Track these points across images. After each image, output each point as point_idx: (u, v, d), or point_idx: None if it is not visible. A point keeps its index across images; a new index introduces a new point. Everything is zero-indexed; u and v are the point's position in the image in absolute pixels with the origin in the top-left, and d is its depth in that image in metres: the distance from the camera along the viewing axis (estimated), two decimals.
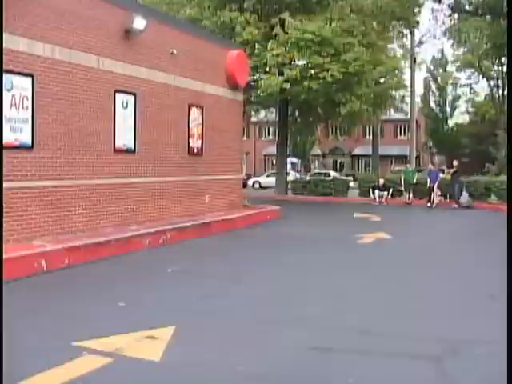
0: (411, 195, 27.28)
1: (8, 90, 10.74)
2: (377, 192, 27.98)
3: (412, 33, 32.13)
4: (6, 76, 10.65)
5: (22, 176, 11.14)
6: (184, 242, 13.64)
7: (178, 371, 5.54)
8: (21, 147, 11.09)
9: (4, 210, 10.60)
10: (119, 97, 13.71)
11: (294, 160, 60.38)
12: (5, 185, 10.65)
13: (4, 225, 10.62)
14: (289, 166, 41.01)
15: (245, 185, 33.48)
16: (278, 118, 33.51)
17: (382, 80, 31.98)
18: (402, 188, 27.74)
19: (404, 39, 33.85)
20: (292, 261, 11.58)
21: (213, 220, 15.89)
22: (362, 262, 11.72)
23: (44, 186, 11.63)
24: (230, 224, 16.50)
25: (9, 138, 10.78)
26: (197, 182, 16.96)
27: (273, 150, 47.19)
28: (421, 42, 35.17)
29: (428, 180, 26.33)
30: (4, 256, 9.44)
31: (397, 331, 6.80)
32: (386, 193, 27.90)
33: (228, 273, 10.30)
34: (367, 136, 62.58)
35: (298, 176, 39.71)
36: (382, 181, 28.52)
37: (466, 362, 5.80)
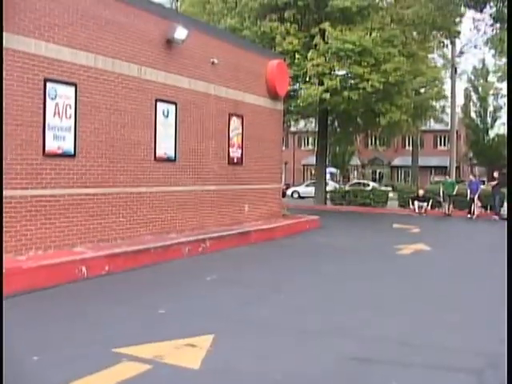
0: (451, 206, 26.85)
1: (52, 99, 10.87)
2: (416, 203, 27.60)
3: (453, 43, 31.69)
4: (50, 85, 10.79)
5: (65, 183, 11.23)
6: (223, 251, 13.60)
7: (217, 379, 5.47)
8: (63, 155, 11.18)
9: (47, 216, 10.76)
10: (160, 106, 13.77)
11: (333, 170, 60.04)
12: (48, 192, 10.80)
13: (46, 231, 10.76)
14: (328, 176, 40.75)
15: (284, 194, 33.41)
16: (317, 128, 33.32)
17: (422, 90, 31.62)
18: (441, 199, 27.34)
19: (445, 49, 33.36)
20: (331, 270, 11.48)
21: (252, 229, 15.82)
22: (401, 272, 11.54)
23: (86, 193, 11.71)
24: (269, 233, 16.41)
25: (52, 145, 10.90)
26: (236, 191, 16.93)
27: (312, 159, 46.96)
28: (462, 52, 34.61)
29: (468, 191, 25.88)
30: (46, 262, 9.55)
31: (436, 343, 6.63)
32: (425, 204, 27.50)
33: (267, 281, 10.23)
34: (407, 146, 61.91)
35: (336, 186, 39.32)
36: (421, 191, 28.13)
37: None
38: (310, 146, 61.81)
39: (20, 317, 7.13)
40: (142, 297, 8.81)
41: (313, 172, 58.35)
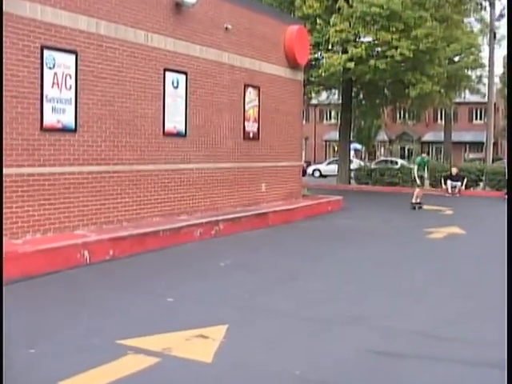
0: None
1: (50, 68, 10.78)
2: (449, 182, 27.35)
3: (492, 5, 31.20)
4: (47, 52, 10.70)
5: (65, 160, 11.19)
6: (238, 234, 13.61)
7: (231, 374, 5.40)
8: (63, 130, 11.13)
9: (45, 196, 10.73)
10: (169, 76, 13.68)
11: (358, 146, 59.66)
12: (47, 170, 10.76)
13: (45, 212, 10.74)
14: (352, 152, 40.56)
15: (304, 173, 33.24)
16: (340, 100, 33.12)
17: (456, 58, 31.25)
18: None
19: (482, 12, 32.90)
20: (354, 256, 11.44)
21: (269, 210, 15.79)
22: (430, 258, 11.41)
23: (88, 171, 11.68)
24: (288, 215, 16.38)
25: (51, 119, 10.84)
26: (252, 169, 16.84)
27: (335, 135, 46.68)
28: (501, 15, 33.98)
29: (506, 169, 25.57)
30: (44, 246, 9.53)
31: (467, 336, 6.51)
32: (459, 183, 27.24)
33: (284, 267, 10.21)
34: (439, 120, 61.39)
35: (361, 164, 39.16)
36: (454, 170, 27.84)
37: None
38: (333, 120, 61.57)
39: (15, 306, 7.09)
40: (148, 284, 8.79)
41: (336, 148, 57.99)
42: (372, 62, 25.38)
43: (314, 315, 7.25)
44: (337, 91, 36.14)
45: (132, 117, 12.71)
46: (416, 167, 20.47)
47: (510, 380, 4.61)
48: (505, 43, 62.73)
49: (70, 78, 11.19)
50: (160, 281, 8.99)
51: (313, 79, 28.22)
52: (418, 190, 20.17)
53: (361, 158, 56.10)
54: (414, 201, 20.31)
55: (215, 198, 15.34)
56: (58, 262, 9.45)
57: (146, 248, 11.21)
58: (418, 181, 20.16)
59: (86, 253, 10.05)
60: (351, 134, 35.24)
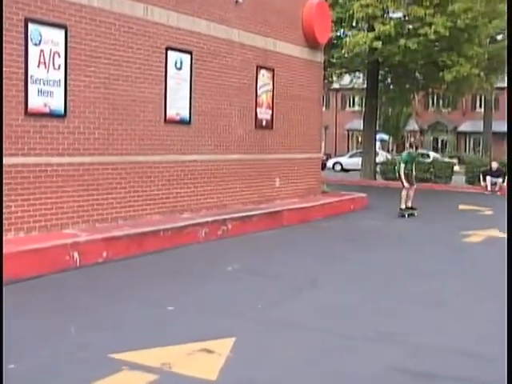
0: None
1: (35, 45, 10.72)
2: (489, 178, 27.16)
3: None
4: (33, 26, 10.65)
5: (53, 150, 11.16)
6: (248, 235, 13.60)
7: None
8: (51, 115, 11.09)
9: (30, 190, 10.70)
10: (172, 55, 13.64)
11: (385, 137, 59.39)
12: (31, 160, 10.74)
13: (29, 209, 10.71)
14: (378, 144, 40.37)
15: (323, 166, 33.21)
16: (365, 85, 33.09)
17: (499, 37, 30.97)
18: None
19: None
20: (379, 261, 11.40)
21: (284, 208, 15.77)
22: (467, 266, 11.31)
23: (79, 162, 11.65)
24: (305, 214, 16.35)
25: (37, 103, 10.80)
26: (265, 161, 16.78)
27: (358, 123, 46.57)
28: None
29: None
30: (28, 247, 9.50)
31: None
32: (500, 179, 27.05)
33: (300, 274, 10.18)
34: (477, 108, 61.17)
35: (389, 157, 38.99)
36: (495, 164, 27.62)
37: None
38: (357, 107, 61.30)
39: None
40: (146, 290, 8.76)
41: (359, 139, 57.80)
42: (402, 41, 25.19)
43: (336, 328, 7.19)
44: (361, 74, 35.99)
45: (129, 101, 12.67)
46: (403, 165, 17.88)
47: (510, 380, 4.74)
48: None
49: (59, 56, 11.13)
50: (159, 287, 8.95)
51: (334, 61, 28.13)
52: (404, 192, 17.89)
53: (388, 151, 55.86)
54: (402, 206, 17.95)
55: (223, 194, 15.32)
56: (43, 264, 9.39)
57: (144, 249, 11.19)
58: (405, 182, 17.65)
59: (76, 254, 10.02)
60: (377, 123, 35.11)
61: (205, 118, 14.72)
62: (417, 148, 20.29)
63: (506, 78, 45.73)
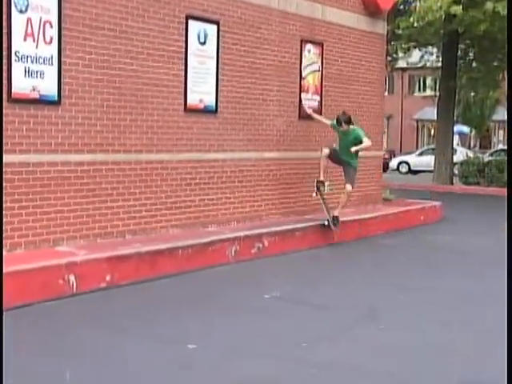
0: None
1: (21, 12, 10.69)
2: None
3: None
4: None
5: (43, 145, 11.15)
6: (290, 254, 13.58)
7: None
8: (41, 101, 11.07)
9: (14, 196, 10.68)
10: (194, 26, 13.61)
11: (465, 129, 58.93)
12: (16, 158, 10.71)
13: (13, 220, 10.66)
14: (456, 138, 40.08)
15: (385, 167, 32.95)
16: (440, 63, 33.06)
17: None
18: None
19: None
20: (460, 289, 11.27)
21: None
22: None
23: (77, 161, 11.63)
24: (362, 228, 16.34)
25: (23, 86, 10.77)
26: (311, 160, 16.57)
27: (430, 112, 46.38)
28: None
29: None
30: (12, 268, 9.41)
31: None
32: None
33: (354, 303, 10.14)
34: None
35: (470, 155, 38.50)
36: None
37: None
38: (428, 91, 60.90)
39: None
40: (161, 323, 8.75)
41: (432, 132, 57.24)
42: (489, 4, 24.81)
43: (402, 375, 7.07)
44: (435, 49, 35.79)
45: (140, 85, 12.65)
46: (327, 151, 15.17)
47: (510, 380, 5.23)
48: None
49: (51, 26, 11.09)
50: (177, 319, 8.95)
51: (400, 32, 27.93)
52: (343, 197, 15.26)
53: (469, 147, 55.43)
54: (336, 214, 15.17)
55: (258, 202, 15.30)
56: (30, 291, 9.36)
57: (157, 272, 11.18)
58: (322, 176, 15.15)
59: (73, 278, 9.99)
60: (455, 112, 34.83)
61: (235, 106, 14.68)
62: None
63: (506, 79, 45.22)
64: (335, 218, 15.03)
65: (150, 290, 10.50)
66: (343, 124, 14.74)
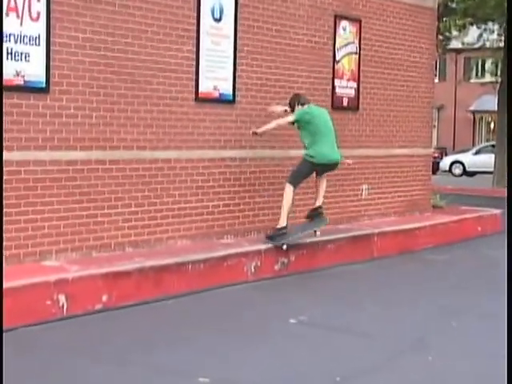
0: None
1: None
2: None
3: None
4: None
5: (29, 141, 11.20)
6: (320, 271, 13.65)
7: None
8: (26, 88, 11.11)
9: None
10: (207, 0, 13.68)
11: None
12: None
13: None
14: None
15: (435, 168, 32.89)
16: (503, 42, 32.90)
17: None
18: None
19: None
20: None
21: (374, 232, 15.70)
22: None
23: (68, 159, 11.67)
24: (407, 240, 16.35)
25: (5, 70, 10.70)
26: (352, 158, 16.54)
27: (490, 102, 46.16)
28: None
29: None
30: None
31: None
32: None
33: (399, 330, 10.14)
34: None
35: None
36: None
37: None
38: (488, 77, 60.32)
39: None
40: (167, 351, 8.75)
41: (492, 126, 57.05)
42: None
43: None
44: (496, 26, 35.63)
45: (143, 69, 12.69)
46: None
47: (510, 380, 5.67)
48: None
49: (38, 0, 11.16)
50: (186, 347, 8.94)
51: (454, 6, 27.80)
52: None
53: None
54: (280, 225, 13.77)
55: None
56: (14, 313, 9.29)
57: (163, 291, 11.24)
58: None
59: (63, 298, 10.05)
60: None
61: (256, 95, 14.70)
62: None
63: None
64: (278, 230, 13.72)
65: (153, 312, 10.53)
66: (296, 106, 14.23)
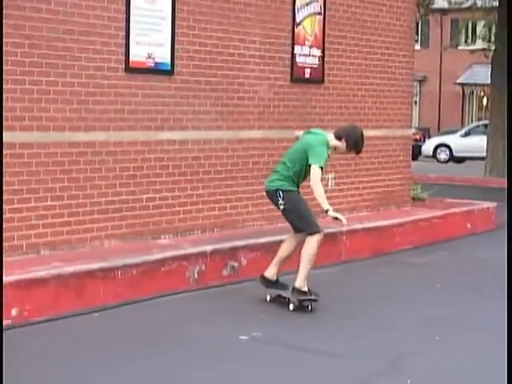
0: None
1: None
2: None
3: None
4: None
5: None
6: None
7: None
8: None
9: None
10: None
11: None
12: None
13: None
14: None
15: (416, 152, 33.00)
16: (497, 2, 33.16)
17: None
18: None
19: None
20: None
21: (343, 230, 15.46)
22: None
23: None
24: (382, 240, 16.47)
25: None
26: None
27: (483, 74, 46.53)
28: None
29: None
30: None
31: None
32: None
33: (372, 348, 10.13)
34: None
35: None
36: None
37: None
38: (480, 44, 60.73)
39: None
40: (85, 379, 8.66)
41: (484, 102, 57.61)
42: None
43: None
44: None
45: (61, 33, 12.66)
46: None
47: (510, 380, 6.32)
48: None
49: None
50: (112, 374, 8.87)
51: None
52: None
53: None
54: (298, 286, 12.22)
55: (232, 202, 15.41)
56: None
57: (87, 302, 11.24)
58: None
59: None
60: None
61: (200, 65, 14.72)
62: None
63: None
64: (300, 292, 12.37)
65: (74, 328, 10.47)
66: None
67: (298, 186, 12.11)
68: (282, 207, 11.97)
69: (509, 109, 10.16)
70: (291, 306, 11.88)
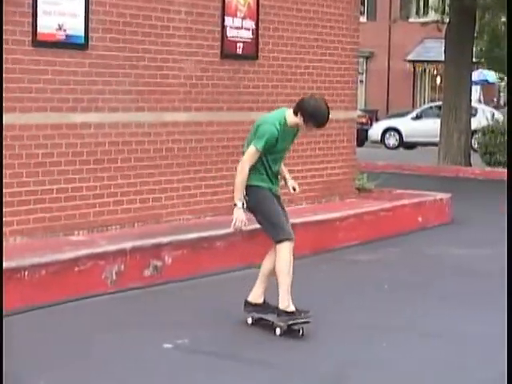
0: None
1: None
2: None
3: None
4: None
5: None
6: (204, 278, 13.74)
7: None
8: None
9: None
10: None
11: (490, 76, 59.24)
12: None
13: None
14: (476, 90, 40.39)
15: (362, 137, 33.12)
16: None
17: None
18: None
19: None
20: (466, 331, 11.36)
21: None
22: None
23: None
24: (323, 234, 16.56)
25: None
26: (242, 126, 16.59)
27: (435, 49, 46.93)
28: None
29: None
30: None
31: None
32: None
33: (311, 359, 10.15)
34: None
35: (498, 117, 38.61)
36: None
37: None
38: (432, 15, 61.09)
39: None
40: None
41: (437, 81, 58.13)
42: None
43: None
44: None
45: None
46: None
47: (510, 380, 7.14)
48: None
49: None
50: None
51: None
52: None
53: (497, 105, 55.77)
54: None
55: (154, 194, 15.43)
56: None
57: None
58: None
59: None
60: (474, 49, 35.11)
61: (117, 38, 14.70)
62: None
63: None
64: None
65: None
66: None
67: (271, 180, 11.79)
68: (245, 205, 11.53)
69: (509, 108, 10.32)
70: (278, 331, 11.53)
